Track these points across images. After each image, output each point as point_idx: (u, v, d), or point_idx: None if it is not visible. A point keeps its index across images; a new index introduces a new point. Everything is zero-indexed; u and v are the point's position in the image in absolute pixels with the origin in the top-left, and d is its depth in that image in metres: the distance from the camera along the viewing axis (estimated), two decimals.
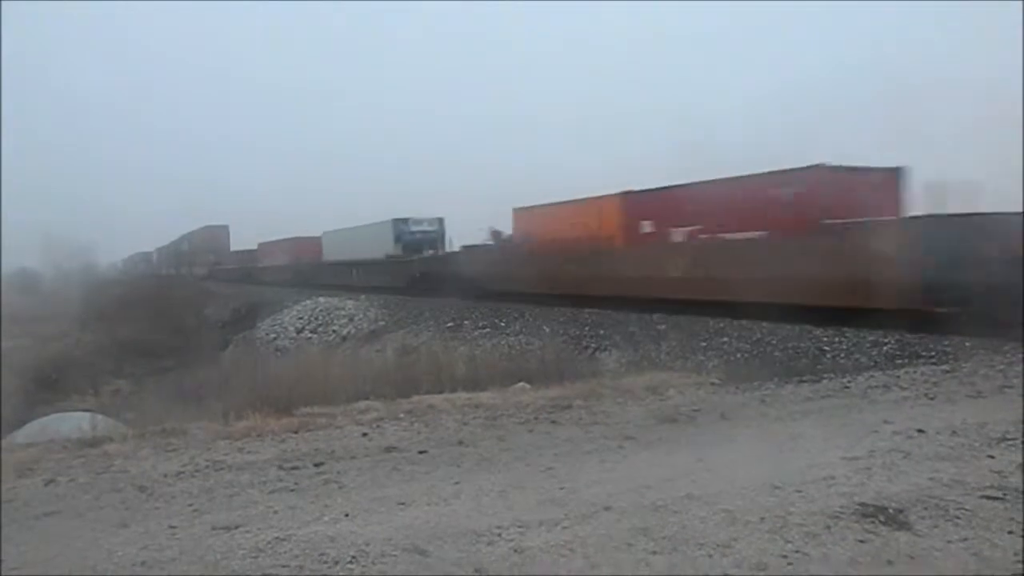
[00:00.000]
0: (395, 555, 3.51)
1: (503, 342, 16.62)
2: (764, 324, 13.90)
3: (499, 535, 3.72)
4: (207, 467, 5.23)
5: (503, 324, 18.70)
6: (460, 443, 5.73)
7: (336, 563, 3.44)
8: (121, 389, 19.35)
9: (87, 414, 10.59)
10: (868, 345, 11.74)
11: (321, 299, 25.90)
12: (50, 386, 18.27)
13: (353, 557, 3.49)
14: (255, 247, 60.32)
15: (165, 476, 5.08)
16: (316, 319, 23.82)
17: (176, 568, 3.49)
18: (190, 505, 4.42)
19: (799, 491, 4.18)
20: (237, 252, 61.28)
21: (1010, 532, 3.50)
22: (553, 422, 6.35)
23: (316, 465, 5.18)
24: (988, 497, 3.96)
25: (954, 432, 5.31)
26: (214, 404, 9.45)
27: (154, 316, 28.77)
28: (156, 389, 16.62)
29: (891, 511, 3.78)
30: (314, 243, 44.25)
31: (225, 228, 64.61)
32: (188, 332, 26.09)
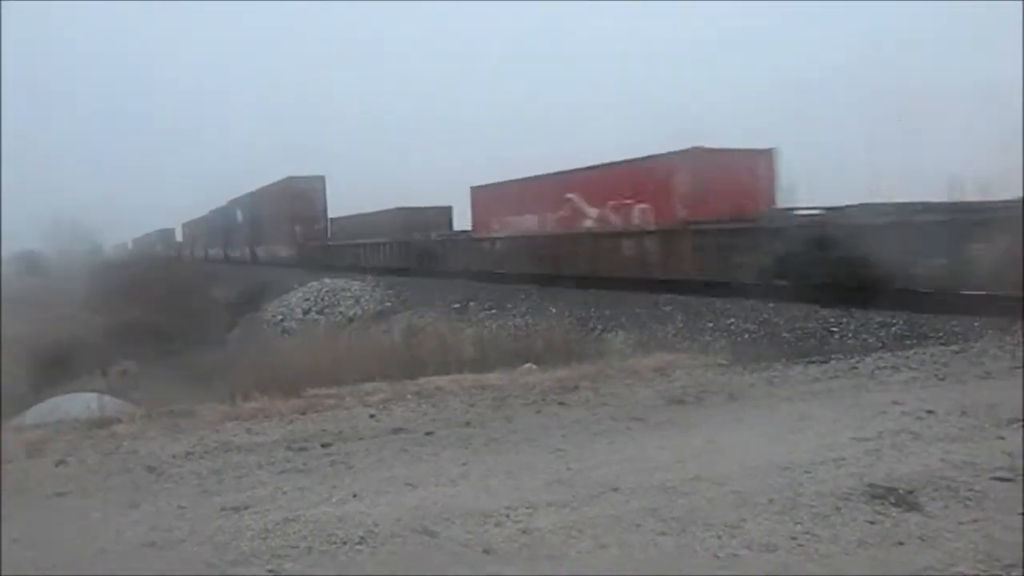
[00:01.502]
0: (404, 536, 3.52)
1: (510, 323, 16.60)
2: (771, 304, 13.85)
3: (507, 516, 3.72)
4: (216, 448, 5.24)
5: (510, 306, 18.68)
6: (468, 424, 5.74)
7: (345, 543, 3.45)
8: (129, 370, 19.41)
9: (95, 395, 10.65)
10: (876, 326, 11.68)
11: (327, 280, 25.90)
12: (58, 367, 18.35)
13: (362, 538, 3.50)
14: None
15: (174, 457, 5.10)
16: (323, 300, 23.83)
17: (185, 548, 3.51)
18: (199, 486, 4.44)
19: (808, 472, 4.16)
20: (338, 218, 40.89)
21: (1021, 514, 3.48)
22: (561, 403, 6.34)
23: (324, 446, 5.20)
24: (999, 479, 3.93)
25: (964, 413, 5.28)
26: (221, 385, 9.47)
27: (161, 298, 28.85)
28: (164, 370, 16.69)
29: (901, 492, 3.77)
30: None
31: (321, 179, 41.16)
32: (195, 313, 26.14)
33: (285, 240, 42.02)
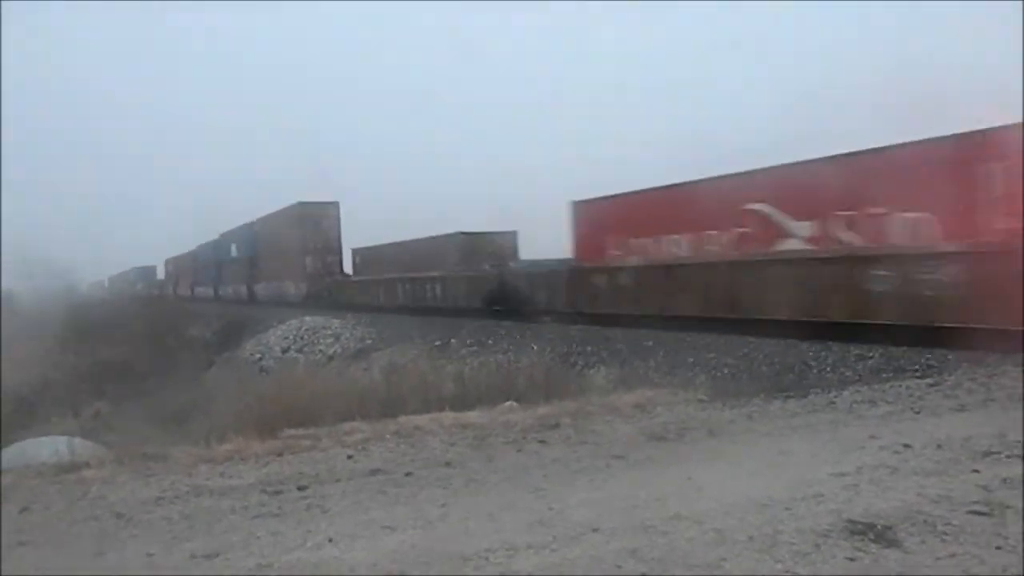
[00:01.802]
0: None
1: (491, 359, 16.56)
2: (750, 339, 13.94)
3: (487, 559, 3.66)
4: (187, 492, 5.13)
5: (491, 342, 18.65)
6: (447, 464, 5.67)
7: None
8: (101, 412, 19.08)
9: (65, 438, 10.43)
10: (853, 359, 11.78)
11: (307, 318, 25.75)
12: (28, 409, 17.99)
13: None
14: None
15: (143, 502, 4.98)
16: (302, 338, 23.67)
17: None
18: (169, 532, 4.33)
19: (788, 508, 4.15)
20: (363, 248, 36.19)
21: (997, 548, 3.49)
22: (541, 442, 6.30)
23: (300, 489, 5.10)
24: (975, 512, 3.94)
25: (940, 446, 5.31)
26: (196, 426, 9.32)
27: (137, 337, 28.49)
28: (138, 411, 16.42)
29: (880, 528, 3.76)
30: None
31: (335, 205, 37.23)
32: (171, 352, 25.83)
33: (293, 275, 37.08)
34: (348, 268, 37.74)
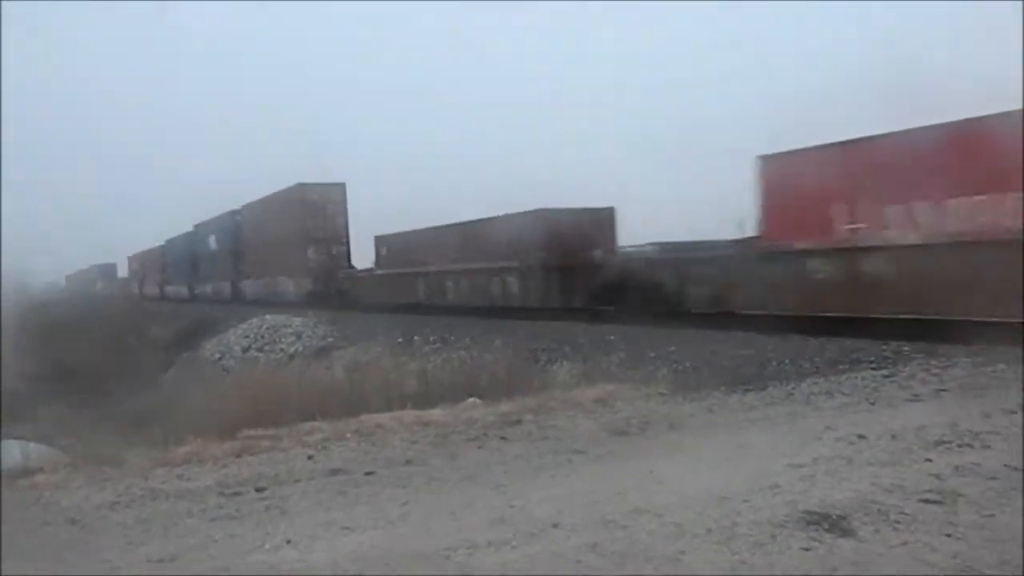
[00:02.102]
0: None
1: (454, 356, 16.51)
2: (710, 333, 14.09)
3: (447, 557, 3.65)
4: (143, 496, 5.03)
5: (453, 339, 18.60)
6: (408, 463, 5.64)
7: None
8: (58, 415, 18.62)
9: (18, 442, 10.16)
10: (811, 351, 11.98)
11: (268, 317, 25.41)
12: None
13: None
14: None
15: (98, 507, 4.87)
16: (263, 337, 23.36)
17: None
18: (124, 537, 4.24)
19: (746, 500, 4.21)
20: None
21: (948, 535, 3.58)
22: (503, 438, 6.30)
23: (259, 490, 5.03)
24: (926, 501, 4.04)
25: (894, 437, 5.42)
26: (154, 429, 9.15)
27: (94, 338, 27.86)
28: (95, 414, 16.06)
29: (835, 518, 3.83)
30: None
31: (340, 187, 31.93)
32: (129, 354, 25.32)
33: (291, 269, 31.51)
34: (359, 262, 31.59)
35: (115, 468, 5.84)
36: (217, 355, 23.00)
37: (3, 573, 3.28)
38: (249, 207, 37.03)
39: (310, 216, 30.93)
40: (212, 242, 41.70)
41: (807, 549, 3.50)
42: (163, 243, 52.14)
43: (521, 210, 20.53)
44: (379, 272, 28.23)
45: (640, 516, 4.05)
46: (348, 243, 31.45)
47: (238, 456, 6.04)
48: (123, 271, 66.81)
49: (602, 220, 20.07)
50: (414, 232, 25.98)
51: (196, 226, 44.50)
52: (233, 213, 38.52)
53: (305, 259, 30.72)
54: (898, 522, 3.78)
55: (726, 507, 4.11)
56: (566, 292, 18.91)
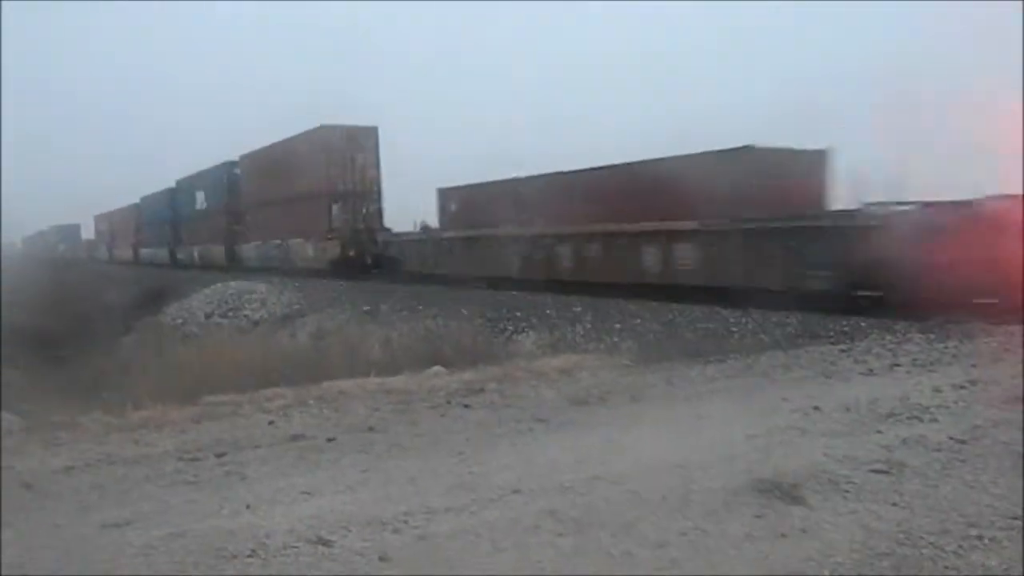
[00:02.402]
0: (297, 546, 3.42)
1: (420, 325, 16.47)
2: (675, 305, 14.24)
3: (406, 522, 3.67)
4: (99, 461, 4.97)
5: (420, 307, 18.54)
6: (370, 429, 5.65)
7: (234, 557, 3.33)
8: (14, 381, 18.24)
9: None
10: (772, 325, 12.17)
11: (232, 283, 25.03)
12: None
13: (252, 551, 3.38)
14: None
15: (53, 472, 4.81)
16: (226, 303, 23.00)
17: (60, 569, 3.31)
18: (78, 503, 4.20)
19: (702, 469, 4.29)
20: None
21: (893, 504, 3.69)
22: (466, 406, 6.33)
23: (218, 456, 5.00)
24: (875, 471, 4.15)
25: (847, 409, 5.55)
26: (112, 394, 9.01)
27: (51, 302, 27.24)
28: (52, 379, 15.76)
29: (786, 487, 3.92)
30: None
31: (372, 131, 26.45)
32: (87, 318, 24.80)
33: (307, 230, 26.13)
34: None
35: (70, 433, 5.76)
36: (179, 320, 22.64)
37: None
38: (252, 157, 31.58)
39: (335, 165, 25.40)
40: (201, 199, 35.78)
41: (759, 516, 3.59)
42: (138, 200, 46.49)
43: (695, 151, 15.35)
44: (448, 235, 22.45)
45: (598, 483, 4.11)
46: (381, 201, 26.14)
47: (197, 422, 5.99)
48: (89, 232, 61.92)
49: (814, 166, 15.14)
50: (510, 181, 20.34)
51: (179, 181, 39.34)
52: (229, 164, 33.41)
53: (325, 218, 25.43)
54: (847, 491, 3.88)
55: (682, 475, 4.19)
56: (795, 268, 13.33)
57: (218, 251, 34.10)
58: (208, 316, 22.31)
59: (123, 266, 45.85)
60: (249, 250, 31.82)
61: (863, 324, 11.00)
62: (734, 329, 12.54)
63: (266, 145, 30.03)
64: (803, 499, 3.77)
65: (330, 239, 24.94)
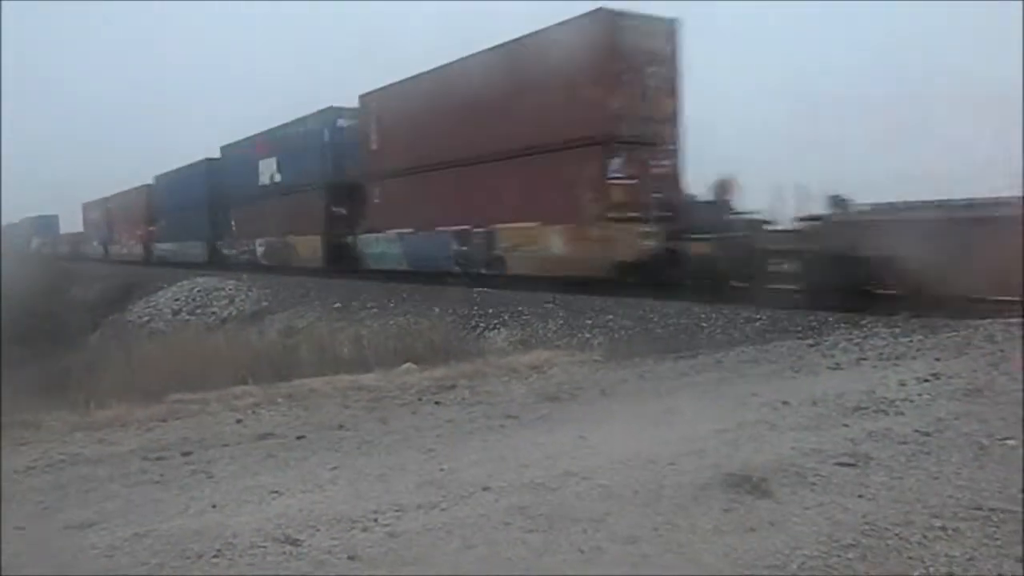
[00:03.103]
0: (264, 546, 3.38)
1: (391, 322, 16.39)
2: (647, 301, 14.32)
3: (375, 520, 3.64)
4: (61, 461, 4.87)
5: (392, 304, 18.45)
6: (340, 427, 5.60)
7: (200, 557, 3.28)
8: None
9: None
10: (742, 321, 12.28)
11: (200, 279, 24.75)
12: None
13: (219, 550, 3.33)
14: None
15: (14, 472, 4.69)
16: (194, 300, 22.74)
17: (22, 571, 3.23)
18: (40, 503, 4.10)
19: (672, 464, 4.31)
20: None
21: (860, 496, 3.74)
22: (437, 403, 6.30)
23: (184, 455, 4.93)
24: (841, 464, 4.21)
25: (815, 403, 5.62)
26: (76, 392, 8.84)
27: (13, 299, 26.70)
28: (14, 378, 15.43)
29: (755, 480, 3.96)
30: None
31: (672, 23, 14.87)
32: (51, 315, 24.35)
33: (564, 207, 15.18)
34: None
35: (31, 432, 5.63)
36: (146, 318, 22.32)
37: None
38: (383, 94, 20.74)
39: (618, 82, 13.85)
40: (269, 169, 26.31)
41: (727, 510, 3.62)
42: (152, 181, 36.91)
43: None
44: None
45: (569, 479, 4.12)
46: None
47: (164, 420, 5.89)
48: (71, 224, 52.96)
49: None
50: None
51: (224, 148, 30.15)
52: (331, 113, 23.20)
53: (602, 183, 14.88)
54: (814, 484, 3.93)
55: (653, 470, 4.21)
56: None
57: (311, 244, 23.56)
58: (176, 313, 22.07)
59: (133, 267, 36.58)
60: (381, 244, 20.67)
61: (830, 319, 11.14)
62: (704, 325, 12.64)
63: (425, 71, 18.77)
64: (771, 492, 3.81)
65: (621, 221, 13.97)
